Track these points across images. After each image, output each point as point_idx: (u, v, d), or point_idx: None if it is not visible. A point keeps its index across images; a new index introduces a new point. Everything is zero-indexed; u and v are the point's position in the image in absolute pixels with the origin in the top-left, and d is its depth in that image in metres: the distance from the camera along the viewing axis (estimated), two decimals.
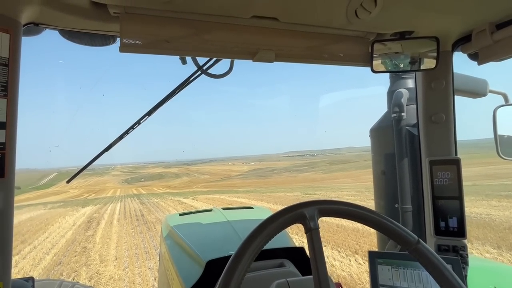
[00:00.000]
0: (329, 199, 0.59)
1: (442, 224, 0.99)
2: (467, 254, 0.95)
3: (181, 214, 2.12)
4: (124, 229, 10.51)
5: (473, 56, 0.99)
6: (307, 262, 1.24)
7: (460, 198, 0.97)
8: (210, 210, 2.18)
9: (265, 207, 2.57)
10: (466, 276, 0.93)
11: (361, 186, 22.82)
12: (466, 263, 0.94)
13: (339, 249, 6.44)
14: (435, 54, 0.91)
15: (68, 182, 1.03)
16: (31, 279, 0.74)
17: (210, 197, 20.26)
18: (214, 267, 1.13)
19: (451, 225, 0.98)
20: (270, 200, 15.69)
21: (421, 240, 0.54)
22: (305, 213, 0.54)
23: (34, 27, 0.74)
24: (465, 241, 0.97)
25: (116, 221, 12.37)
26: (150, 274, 5.77)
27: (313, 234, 0.53)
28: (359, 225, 7.84)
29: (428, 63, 0.95)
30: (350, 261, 5.72)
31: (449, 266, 0.53)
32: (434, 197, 1.00)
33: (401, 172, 1.42)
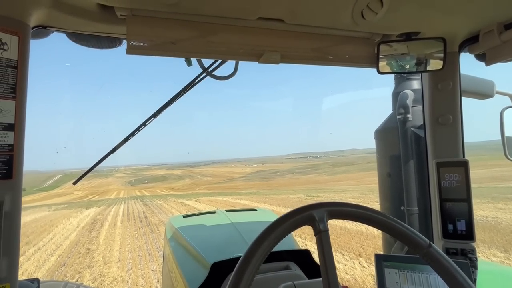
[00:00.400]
0: (338, 201, 0.58)
1: (450, 227, 0.97)
2: (476, 258, 0.93)
3: (184, 216, 2.12)
4: (128, 231, 10.54)
5: (481, 57, 0.98)
6: (313, 265, 1.23)
7: (468, 200, 0.95)
8: (214, 212, 2.18)
9: (269, 209, 2.57)
10: (475, 280, 0.91)
11: (365, 188, 22.67)
12: (475, 266, 0.92)
13: (342, 252, 6.39)
14: (441, 55, 0.90)
15: (74, 183, 1.04)
16: (36, 280, 0.74)
17: (213, 199, 20.26)
18: (219, 269, 1.13)
19: (459, 228, 0.96)
20: (273, 202, 15.65)
21: (432, 244, 0.53)
22: (314, 215, 0.54)
23: (42, 30, 0.75)
24: (474, 244, 0.95)
25: (120, 222, 12.42)
26: (153, 276, 5.77)
27: (322, 236, 0.53)
28: (363, 228, 7.77)
29: (435, 64, 0.94)
30: (354, 264, 5.67)
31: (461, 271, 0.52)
32: (442, 200, 0.99)
33: (407, 174, 1.41)
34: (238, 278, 0.47)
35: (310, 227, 0.55)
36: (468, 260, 0.92)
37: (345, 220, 0.60)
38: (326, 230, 0.53)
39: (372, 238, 7.01)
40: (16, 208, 0.61)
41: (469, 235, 0.95)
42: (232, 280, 0.48)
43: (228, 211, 2.18)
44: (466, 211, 0.96)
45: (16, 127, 0.60)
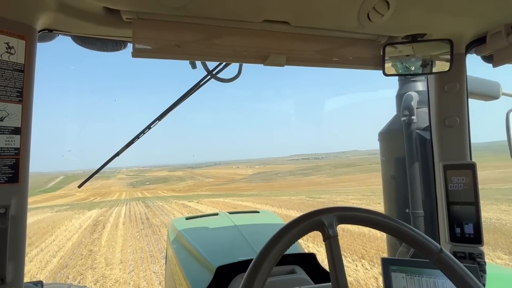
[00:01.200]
0: (348, 205, 0.58)
1: (458, 230, 0.96)
2: (484, 262, 0.92)
3: (187, 218, 2.12)
4: (129, 232, 10.55)
5: (488, 58, 0.97)
6: (318, 269, 1.22)
7: (476, 203, 0.94)
8: (217, 214, 2.17)
9: (271, 211, 2.56)
10: (484, 284, 0.90)
11: (367, 189, 22.57)
12: (483, 271, 0.91)
13: (345, 254, 6.35)
14: (448, 57, 0.89)
15: (79, 186, 1.04)
16: (40, 283, 0.74)
17: (215, 201, 20.24)
18: (224, 273, 1.12)
19: (467, 232, 0.95)
20: (275, 204, 15.60)
21: (444, 249, 0.52)
22: (324, 220, 0.53)
23: (48, 33, 0.75)
24: (482, 248, 0.94)
25: (122, 224, 12.43)
26: (155, 278, 5.76)
27: (332, 242, 0.52)
28: (365, 230, 7.73)
29: (441, 66, 0.93)
30: (356, 266, 5.64)
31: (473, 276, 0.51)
32: (449, 203, 0.98)
33: (412, 176, 1.40)
34: (249, 284, 0.47)
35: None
36: (477, 265, 0.91)
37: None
38: (336, 236, 0.53)
39: (375, 240, 6.98)
40: (22, 212, 0.61)
41: (477, 238, 0.93)
42: (243, 285, 0.47)
43: (230, 213, 2.17)
44: (474, 214, 0.94)
45: (22, 130, 0.60)
